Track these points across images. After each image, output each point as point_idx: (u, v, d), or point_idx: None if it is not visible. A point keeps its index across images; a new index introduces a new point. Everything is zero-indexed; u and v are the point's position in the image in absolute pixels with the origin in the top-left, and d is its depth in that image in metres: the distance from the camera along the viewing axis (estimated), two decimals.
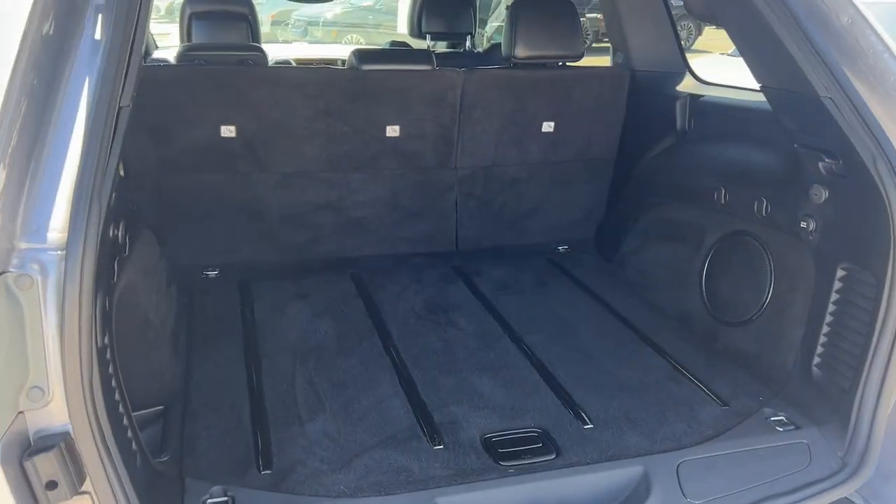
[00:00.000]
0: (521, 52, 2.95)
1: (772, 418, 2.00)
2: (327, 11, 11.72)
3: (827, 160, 1.98)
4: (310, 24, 11.08)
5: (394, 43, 4.84)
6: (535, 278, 2.99)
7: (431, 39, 4.50)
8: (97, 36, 1.46)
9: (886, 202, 1.77)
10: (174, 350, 2.15)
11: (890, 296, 1.80)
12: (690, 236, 2.64)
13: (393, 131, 2.96)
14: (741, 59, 2.25)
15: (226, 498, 1.61)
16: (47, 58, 1.38)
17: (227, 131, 2.78)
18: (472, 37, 4.69)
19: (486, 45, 5.34)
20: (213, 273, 2.88)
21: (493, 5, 5.99)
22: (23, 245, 1.30)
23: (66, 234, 1.32)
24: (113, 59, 1.42)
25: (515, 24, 2.94)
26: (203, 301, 2.64)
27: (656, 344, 2.43)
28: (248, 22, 3.91)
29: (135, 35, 1.52)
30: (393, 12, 12.91)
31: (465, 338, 2.46)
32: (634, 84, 3.19)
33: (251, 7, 4.00)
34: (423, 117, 2.97)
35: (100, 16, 1.48)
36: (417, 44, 4.62)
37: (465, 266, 3.08)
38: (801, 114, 2.02)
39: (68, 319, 1.28)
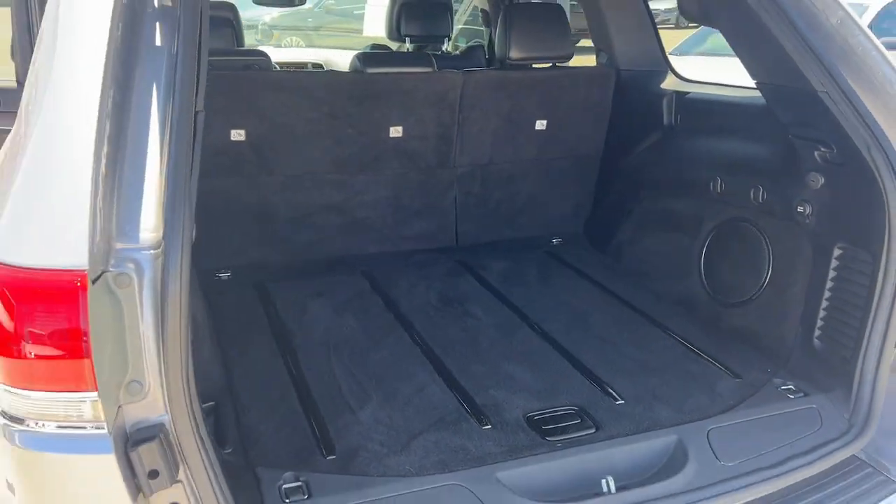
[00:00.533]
0: (515, 53, 3.08)
1: (782, 387, 2.17)
2: (265, 14, 11.55)
3: (822, 149, 2.17)
4: (248, 27, 10.92)
5: (374, 46, 4.92)
6: (537, 270, 3.13)
7: (411, 42, 4.60)
8: (159, 42, 1.52)
9: (881, 185, 1.96)
10: (214, 346, 2.20)
11: (886, 270, 1.98)
12: (687, 225, 2.81)
13: (396, 132, 3.05)
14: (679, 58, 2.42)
15: (299, 483, 1.69)
16: (124, 65, 1.43)
17: (237, 135, 2.83)
18: (450, 39, 4.81)
19: (451, 47, 5.46)
20: (225, 275, 2.92)
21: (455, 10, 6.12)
22: (118, 245, 1.35)
23: (157, 233, 1.37)
24: (187, 66, 1.49)
25: (509, 27, 3.07)
26: (221, 302, 2.69)
27: (664, 326, 2.59)
28: (233, 27, 3.94)
29: (200, 41, 1.59)
30: (335, 13, 12.91)
31: (485, 327, 2.57)
32: (619, 83, 3.36)
33: (235, 13, 4.03)
34: (424, 118, 3.07)
35: (158, 23, 1.54)
36: (396, 48, 4.71)
37: (468, 260, 3.20)
38: (797, 107, 2.20)
39: (171, 315, 1.35)
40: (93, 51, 1.48)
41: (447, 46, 5.05)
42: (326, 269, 3.03)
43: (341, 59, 5.30)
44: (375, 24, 6.63)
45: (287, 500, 1.64)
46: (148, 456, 1.36)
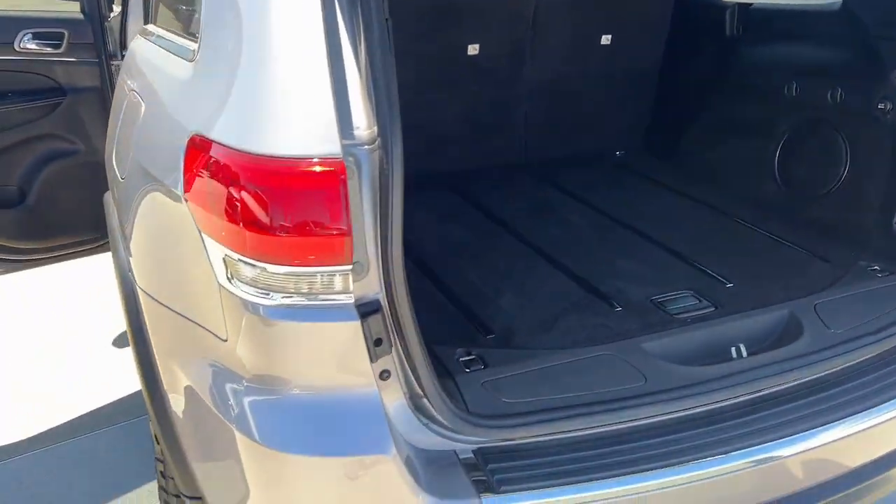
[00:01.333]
0: None
1: (868, 269, 2.39)
2: None
3: None
4: None
5: None
6: (610, 179, 3.31)
7: None
8: None
9: None
10: None
11: None
12: (759, 128, 2.98)
13: (473, 49, 3.17)
14: None
15: (473, 356, 1.89)
16: None
17: None
18: None
19: None
20: None
21: None
22: (344, 142, 1.51)
23: (371, 130, 1.51)
24: None
25: None
26: None
27: (747, 222, 2.79)
28: None
29: None
30: None
31: (583, 229, 2.76)
32: None
33: None
34: (499, 35, 3.19)
35: None
36: None
37: (542, 173, 3.36)
38: (880, 7, 2.36)
39: (395, 203, 1.51)
40: None
41: None
42: (417, 185, 3.15)
43: None
44: None
45: (467, 370, 1.84)
46: (374, 326, 1.54)
